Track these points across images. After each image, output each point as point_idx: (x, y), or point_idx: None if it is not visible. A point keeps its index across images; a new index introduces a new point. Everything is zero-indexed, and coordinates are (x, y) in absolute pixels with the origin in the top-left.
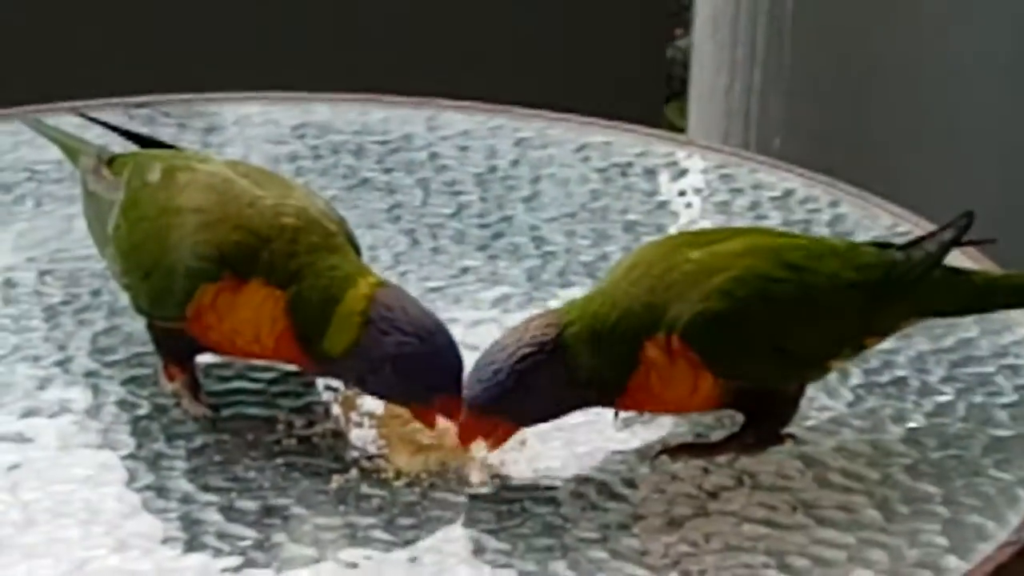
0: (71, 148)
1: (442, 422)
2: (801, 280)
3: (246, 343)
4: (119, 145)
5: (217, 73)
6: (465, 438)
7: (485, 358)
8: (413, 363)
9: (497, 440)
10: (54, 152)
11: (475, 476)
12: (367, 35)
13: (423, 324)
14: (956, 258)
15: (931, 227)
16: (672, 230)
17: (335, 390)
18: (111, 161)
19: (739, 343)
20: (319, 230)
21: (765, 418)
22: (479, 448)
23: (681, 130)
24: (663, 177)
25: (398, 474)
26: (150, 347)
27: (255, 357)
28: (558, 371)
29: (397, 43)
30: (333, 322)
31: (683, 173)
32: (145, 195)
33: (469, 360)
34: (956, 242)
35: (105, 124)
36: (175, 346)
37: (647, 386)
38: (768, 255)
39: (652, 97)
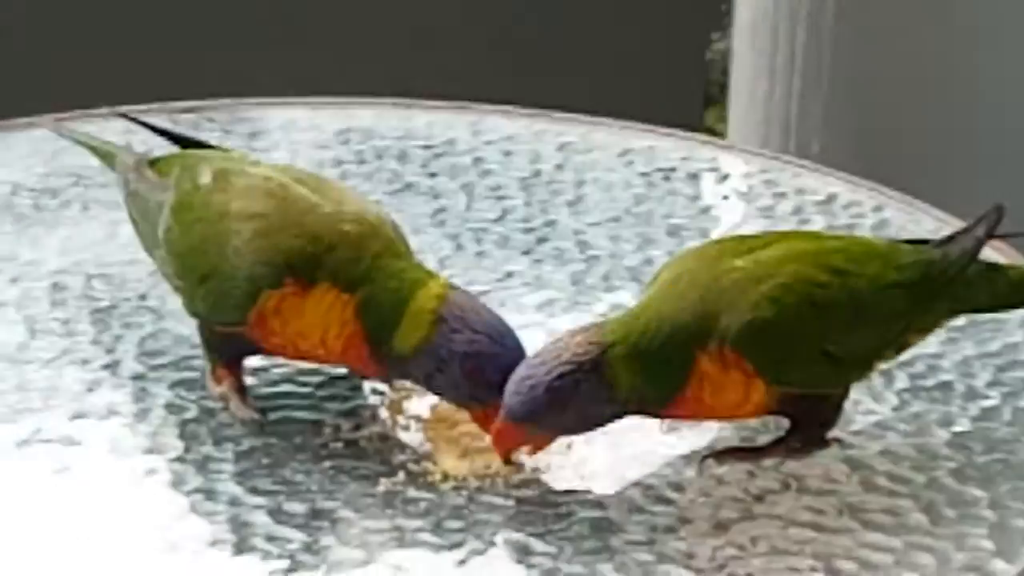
0: (104, 152)
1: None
2: (845, 284)
3: (310, 347)
4: (158, 149)
5: (261, 78)
6: (499, 445)
7: (524, 370)
8: (482, 362)
9: (532, 449)
10: None
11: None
12: (410, 40)
13: (494, 325)
14: (986, 253)
15: None
16: (715, 234)
17: (382, 394)
18: (153, 162)
19: (790, 350)
20: (380, 235)
21: (811, 422)
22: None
23: (719, 135)
24: (706, 181)
25: (445, 477)
26: (197, 350)
27: (314, 360)
28: (596, 389)
29: (440, 48)
30: (404, 320)
31: (726, 177)
32: (198, 198)
33: None
34: (989, 236)
35: (146, 124)
36: (227, 349)
37: (699, 397)
38: (811, 260)
39: (691, 103)
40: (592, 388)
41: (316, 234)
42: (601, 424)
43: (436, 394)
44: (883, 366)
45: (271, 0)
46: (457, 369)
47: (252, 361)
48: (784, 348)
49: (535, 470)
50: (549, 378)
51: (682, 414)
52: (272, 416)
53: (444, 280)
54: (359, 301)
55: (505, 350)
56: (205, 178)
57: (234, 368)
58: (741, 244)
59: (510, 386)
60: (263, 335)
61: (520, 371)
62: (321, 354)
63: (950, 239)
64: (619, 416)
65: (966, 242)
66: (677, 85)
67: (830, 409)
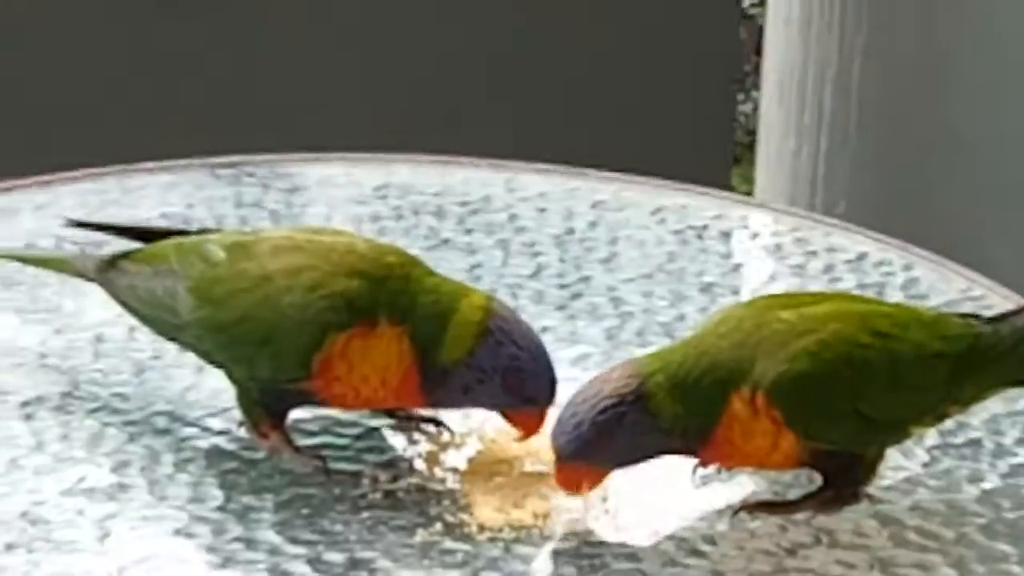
0: (49, 261)
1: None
2: (886, 347)
3: (371, 390)
4: None
5: (300, 134)
6: (565, 487)
7: (568, 409)
8: (523, 377)
9: (591, 484)
10: (142, 211)
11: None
12: (447, 99)
13: (534, 340)
14: None
15: (1006, 293)
16: (747, 292)
17: (416, 443)
18: (122, 257)
19: (822, 405)
20: (417, 262)
21: (843, 479)
22: (561, 501)
23: (746, 195)
24: (738, 239)
25: (481, 528)
26: (235, 401)
27: (369, 405)
28: (641, 420)
29: (477, 108)
30: (450, 331)
31: (757, 235)
32: (223, 273)
33: (554, 412)
34: None
35: (87, 224)
36: (279, 406)
37: (730, 439)
38: (855, 321)
39: (718, 163)
40: (636, 419)
41: (367, 272)
42: (649, 456)
43: (470, 405)
44: (920, 432)
45: (312, 56)
46: (498, 382)
47: (290, 415)
48: (816, 403)
49: (570, 521)
50: (593, 413)
51: (716, 457)
52: (311, 467)
53: (484, 292)
54: (411, 329)
55: (544, 366)
56: (218, 255)
57: (279, 423)
58: (791, 299)
59: (556, 427)
60: (326, 384)
61: (564, 412)
62: (381, 396)
63: (1004, 316)
64: (665, 449)
65: (1019, 320)
66: (703, 145)
67: (863, 469)
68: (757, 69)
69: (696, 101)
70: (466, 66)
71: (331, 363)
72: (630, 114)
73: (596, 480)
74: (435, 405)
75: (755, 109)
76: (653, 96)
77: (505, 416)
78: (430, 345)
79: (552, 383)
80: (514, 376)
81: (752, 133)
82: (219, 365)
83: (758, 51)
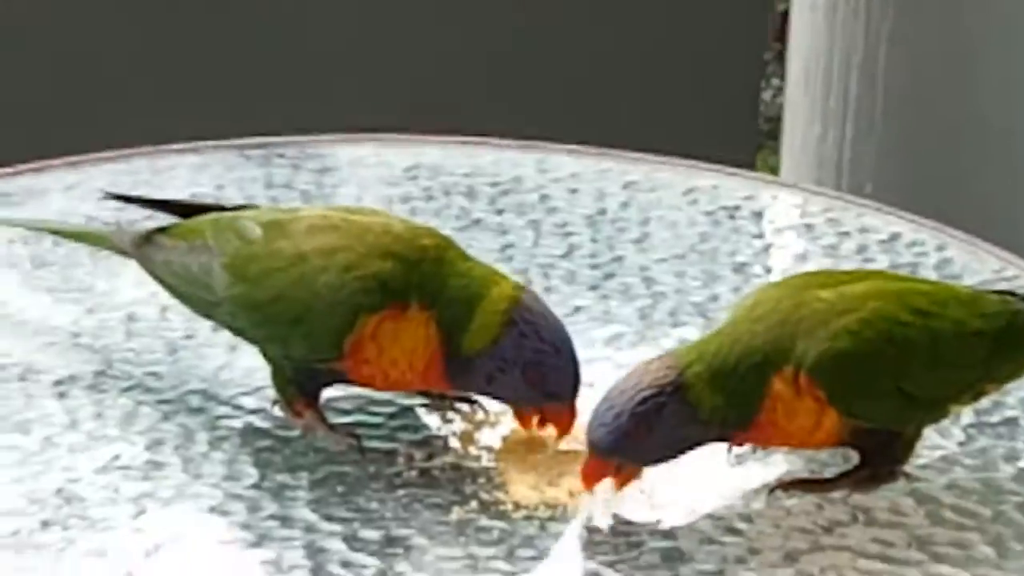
0: (86, 235)
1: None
2: (927, 325)
3: (399, 374)
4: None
5: (330, 115)
6: (589, 480)
7: (605, 403)
8: (544, 372)
9: (622, 482)
10: (174, 190)
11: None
12: (476, 80)
13: (559, 334)
14: None
15: None
16: (779, 272)
17: (451, 421)
18: (158, 232)
19: (865, 383)
20: (452, 245)
21: (881, 458)
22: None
23: None
24: (770, 219)
25: (517, 506)
26: (269, 380)
27: (396, 388)
28: (681, 411)
29: (507, 89)
30: (476, 318)
31: (789, 216)
32: (258, 251)
33: (587, 392)
34: None
35: (126, 198)
36: (313, 384)
37: (773, 420)
38: (894, 299)
39: (743, 147)
40: (676, 410)
41: (401, 254)
42: (686, 449)
43: (490, 396)
44: (959, 410)
45: (342, 39)
46: (519, 374)
47: (324, 393)
48: (858, 381)
49: (606, 500)
50: (632, 404)
51: (758, 439)
52: (345, 445)
53: (515, 281)
54: (438, 314)
55: (566, 361)
56: (255, 232)
57: (313, 401)
58: (829, 278)
59: (593, 420)
60: (355, 365)
61: (601, 405)
62: (408, 379)
63: None
64: (703, 440)
65: None
66: (729, 130)
67: (901, 447)
68: (778, 57)
69: (721, 88)
70: (496, 47)
71: (362, 345)
72: (653, 102)
73: (625, 479)
74: (463, 391)
75: (774, 97)
76: (677, 83)
77: (517, 417)
78: (455, 331)
79: (576, 379)
80: (535, 370)
81: (771, 120)
82: (253, 342)
83: (778, 38)
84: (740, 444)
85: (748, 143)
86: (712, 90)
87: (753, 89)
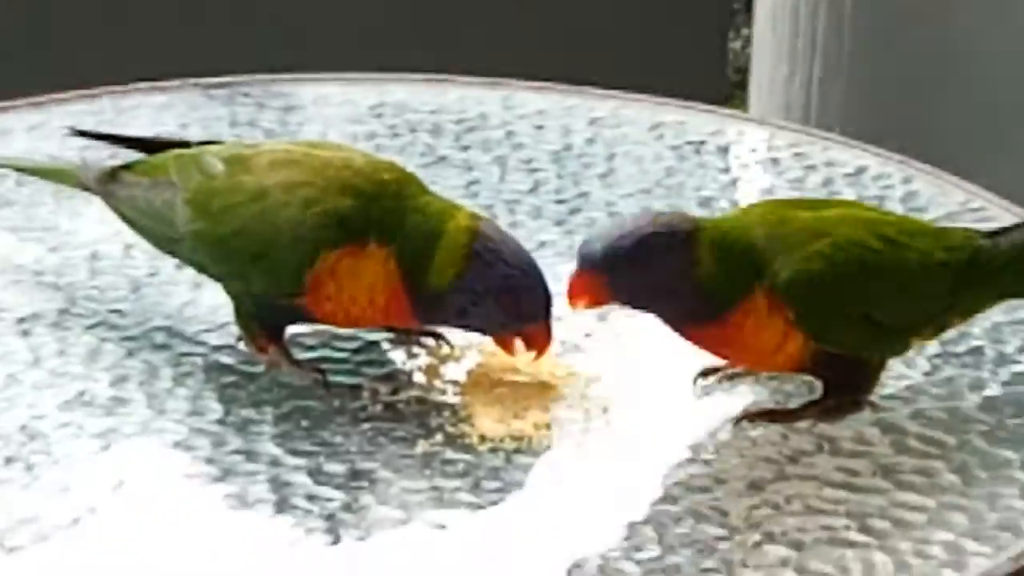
0: (51, 171)
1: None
2: (895, 253)
3: (360, 311)
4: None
5: (295, 53)
6: (575, 294)
7: (614, 224)
8: (516, 295)
9: (589, 302)
10: (138, 129)
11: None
12: (442, 17)
13: (523, 257)
14: None
15: (1005, 204)
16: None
17: (416, 356)
18: (123, 168)
19: (832, 307)
20: (412, 179)
21: (845, 387)
22: (562, 412)
23: None
24: (736, 154)
25: (482, 439)
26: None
27: (360, 324)
28: (683, 259)
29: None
30: (437, 256)
31: (756, 150)
32: (220, 185)
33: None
34: None
35: (92, 135)
36: (276, 320)
37: (740, 326)
38: (866, 226)
39: (712, 93)
40: (678, 256)
41: (360, 188)
42: (663, 303)
43: (466, 328)
44: (921, 343)
45: None
46: (492, 302)
47: (290, 328)
48: (826, 305)
49: (571, 432)
50: (643, 232)
51: (723, 345)
52: (310, 380)
53: (469, 211)
54: (398, 249)
55: (536, 282)
56: (216, 167)
57: (277, 337)
58: (804, 201)
59: (594, 232)
60: (316, 301)
61: (611, 223)
62: (369, 315)
63: (1005, 231)
64: (684, 303)
65: (1018, 235)
66: (697, 77)
67: (865, 376)
68: (747, 7)
69: (690, 32)
70: None
71: (322, 281)
72: (621, 50)
73: (593, 302)
74: (433, 326)
75: (744, 47)
76: (646, 30)
77: (497, 343)
78: (417, 268)
79: (548, 296)
80: (507, 295)
81: (741, 71)
82: (216, 279)
83: None
84: (707, 347)
85: (717, 92)
86: (680, 39)
87: (721, 38)
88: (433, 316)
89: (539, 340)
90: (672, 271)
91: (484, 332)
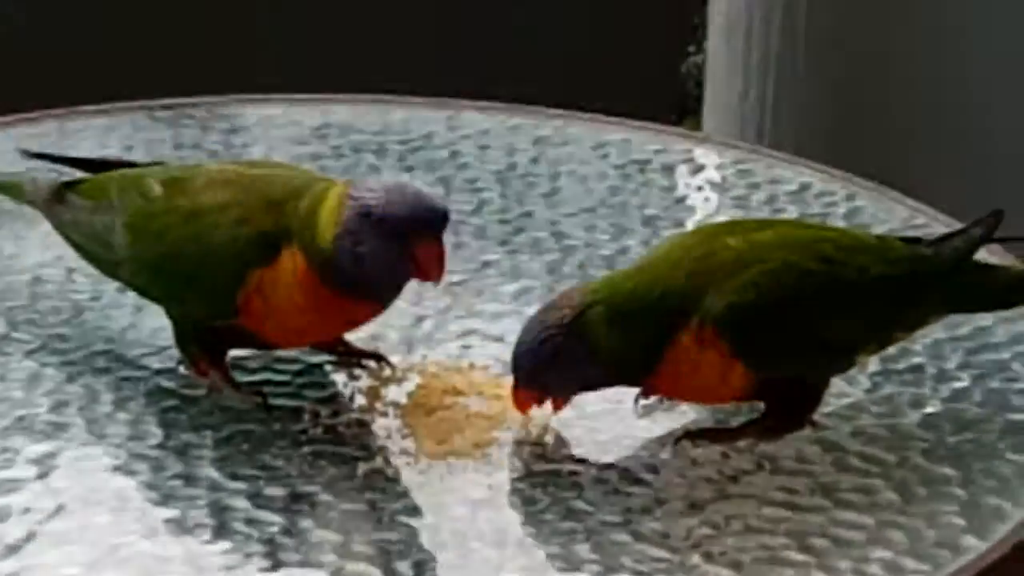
0: (5, 185)
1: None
2: (832, 272)
3: (294, 319)
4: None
5: (239, 76)
6: (519, 405)
7: (522, 335)
8: (395, 213)
9: (556, 406)
10: (83, 152)
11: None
12: (388, 38)
13: (392, 183)
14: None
15: (948, 220)
16: (690, 224)
17: (357, 378)
18: (67, 186)
19: (770, 336)
20: (322, 178)
21: (788, 408)
22: (503, 433)
23: None
24: (681, 173)
25: (423, 460)
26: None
27: (308, 336)
28: (577, 350)
29: (417, 47)
30: (319, 222)
31: (701, 169)
32: (157, 208)
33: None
34: (985, 239)
35: (43, 156)
36: (215, 343)
37: (676, 371)
38: (801, 248)
39: (671, 109)
40: (572, 349)
41: (275, 200)
42: (594, 386)
43: (374, 281)
44: (866, 359)
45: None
46: (376, 234)
47: (230, 352)
48: (765, 335)
49: (512, 453)
50: (535, 344)
51: (662, 389)
52: (251, 403)
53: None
54: (299, 242)
55: (411, 195)
56: (155, 190)
57: (218, 360)
58: (737, 226)
59: (514, 350)
60: (251, 321)
61: (520, 336)
62: (307, 321)
63: (946, 239)
64: (608, 380)
65: (959, 242)
66: (651, 96)
67: (808, 397)
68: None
69: (643, 53)
70: (411, 5)
71: (251, 299)
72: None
73: (556, 405)
74: (354, 297)
75: (706, 61)
76: (601, 48)
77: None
78: (310, 246)
79: (430, 209)
80: (387, 217)
81: (701, 86)
82: (156, 302)
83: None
84: (649, 394)
85: (670, 110)
86: (633, 57)
87: (673, 56)
88: (341, 281)
89: (434, 257)
90: (578, 361)
91: (391, 279)
